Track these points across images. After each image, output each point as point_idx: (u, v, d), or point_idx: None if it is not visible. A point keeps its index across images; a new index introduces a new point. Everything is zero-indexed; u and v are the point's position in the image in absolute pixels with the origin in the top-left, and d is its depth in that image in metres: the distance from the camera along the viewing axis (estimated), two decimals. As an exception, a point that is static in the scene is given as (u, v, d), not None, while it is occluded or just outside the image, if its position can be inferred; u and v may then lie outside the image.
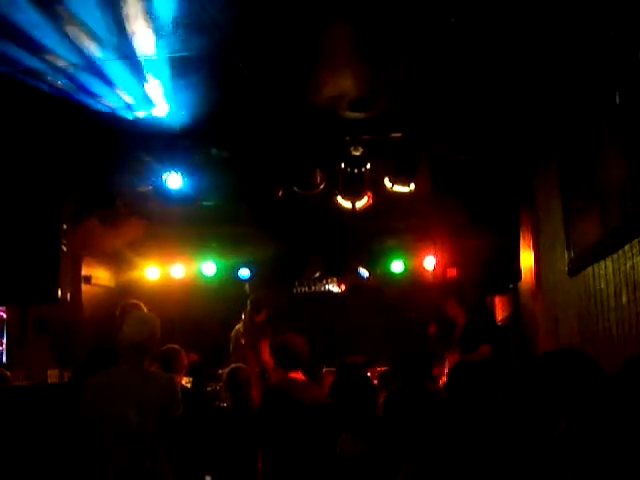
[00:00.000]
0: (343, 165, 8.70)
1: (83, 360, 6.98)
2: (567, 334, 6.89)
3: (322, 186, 8.92)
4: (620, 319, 5.11)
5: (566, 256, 6.71)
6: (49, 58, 6.19)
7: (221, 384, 8.26)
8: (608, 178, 5.20)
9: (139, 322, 5.62)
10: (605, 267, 5.48)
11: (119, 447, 5.33)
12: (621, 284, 5.07)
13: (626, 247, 4.87)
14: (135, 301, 5.74)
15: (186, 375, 8.16)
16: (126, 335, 5.55)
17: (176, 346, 7.51)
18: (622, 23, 4.65)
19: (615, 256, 5.17)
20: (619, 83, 4.75)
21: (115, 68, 6.52)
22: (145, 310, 5.71)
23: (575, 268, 6.45)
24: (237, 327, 10.62)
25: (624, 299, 5.02)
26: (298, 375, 6.75)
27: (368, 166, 8.72)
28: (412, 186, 8.78)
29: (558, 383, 2.92)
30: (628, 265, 4.87)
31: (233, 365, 7.73)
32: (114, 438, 5.34)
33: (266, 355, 9.79)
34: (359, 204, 9.07)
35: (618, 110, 4.81)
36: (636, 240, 4.64)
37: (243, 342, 10.39)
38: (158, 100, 7.25)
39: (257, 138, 8.40)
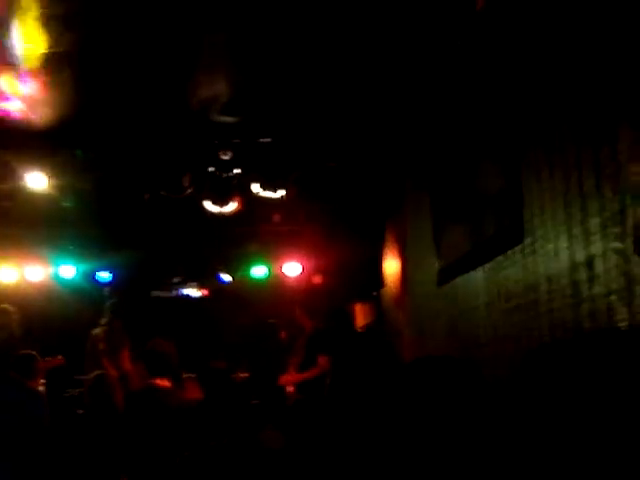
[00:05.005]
0: (212, 169, 8.60)
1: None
2: (434, 342, 7.02)
3: (190, 190, 8.79)
4: (491, 328, 5.24)
5: (435, 266, 6.83)
6: None
7: (81, 390, 8.04)
8: (483, 192, 5.32)
9: None
10: (476, 277, 5.60)
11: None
12: (493, 294, 5.20)
13: (500, 257, 4.99)
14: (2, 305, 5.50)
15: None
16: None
17: (32, 352, 7.28)
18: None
19: (488, 266, 5.29)
20: (499, 96, 4.87)
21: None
22: (4, 313, 5.47)
23: (444, 278, 6.57)
24: (94, 332, 10.32)
25: (495, 308, 5.15)
26: (163, 382, 6.65)
27: (237, 171, 8.64)
28: (280, 192, 8.76)
29: (437, 387, 2.92)
30: (501, 275, 5.00)
31: (98, 371, 7.53)
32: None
33: (127, 363, 9.62)
34: (227, 209, 8.98)
35: (496, 127, 4.94)
36: (510, 251, 4.76)
37: (101, 347, 10.11)
38: (21, 97, 6.96)
39: (125, 140, 8.19)
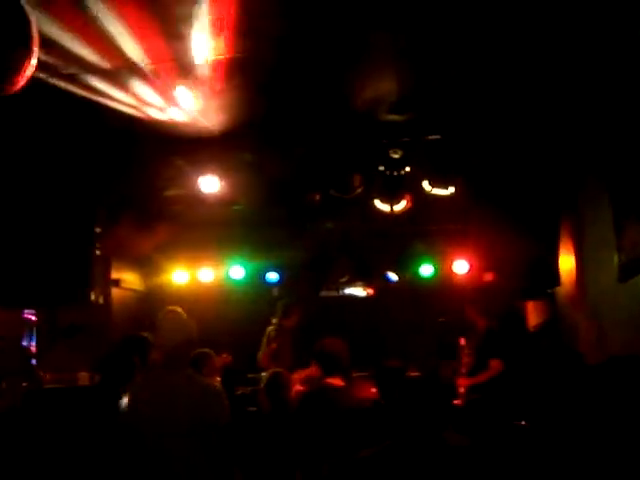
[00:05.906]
0: (382, 168, 8.60)
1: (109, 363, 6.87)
2: (616, 341, 6.76)
3: (360, 189, 8.84)
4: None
5: (616, 261, 6.58)
6: (83, 62, 6.12)
7: (253, 388, 8.20)
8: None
9: (174, 326, 5.57)
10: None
11: (161, 453, 5.25)
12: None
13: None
14: (173, 307, 5.70)
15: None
16: (163, 340, 5.51)
17: (207, 349, 7.49)
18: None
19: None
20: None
21: (154, 71, 6.45)
22: (182, 315, 5.66)
23: (627, 273, 6.32)
24: (268, 331, 10.49)
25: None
26: (336, 380, 6.67)
27: (407, 169, 8.62)
28: (451, 189, 8.67)
29: (628, 390, 2.80)
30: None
31: (273, 369, 7.66)
32: (158, 443, 5.26)
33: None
34: (397, 207, 8.98)
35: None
36: None
37: (273, 346, 10.28)
38: (194, 103, 7.16)
39: (296, 142, 8.31)
